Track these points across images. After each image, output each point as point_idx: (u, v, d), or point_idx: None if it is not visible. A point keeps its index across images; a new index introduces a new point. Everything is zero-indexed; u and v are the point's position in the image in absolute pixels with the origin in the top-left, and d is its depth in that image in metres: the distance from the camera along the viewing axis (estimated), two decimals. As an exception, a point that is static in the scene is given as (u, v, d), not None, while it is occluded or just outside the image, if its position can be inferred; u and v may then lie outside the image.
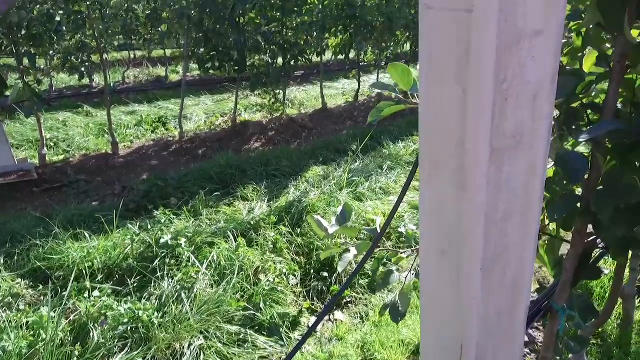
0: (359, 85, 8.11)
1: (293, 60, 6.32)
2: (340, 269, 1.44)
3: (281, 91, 6.72)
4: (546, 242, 1.66)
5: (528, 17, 0.55)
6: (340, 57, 7.95)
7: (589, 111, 1.34)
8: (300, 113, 7.19)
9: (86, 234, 3.17)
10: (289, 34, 6.16)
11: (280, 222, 3.40)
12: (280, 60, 6.28)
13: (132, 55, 11.42)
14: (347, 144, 5.58)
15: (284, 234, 3.24)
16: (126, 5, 8.16)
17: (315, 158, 5.22)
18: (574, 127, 1.20)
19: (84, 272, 2.76)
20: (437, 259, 0.73)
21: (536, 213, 0.72)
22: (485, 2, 0.52)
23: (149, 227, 3.25)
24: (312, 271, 2.96)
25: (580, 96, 1.27)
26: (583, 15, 1.33)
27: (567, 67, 1.42)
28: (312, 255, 3.08)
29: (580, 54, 1.41)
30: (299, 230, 3.32)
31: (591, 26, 1.23)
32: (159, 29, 5.75)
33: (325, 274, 2.93)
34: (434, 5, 0.56)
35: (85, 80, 7.61)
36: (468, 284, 0.70)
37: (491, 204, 0.64)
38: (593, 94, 1.44)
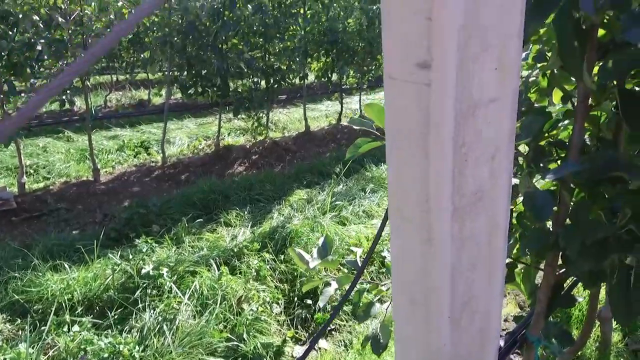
0: (342, 108, 8.22)
1: (276, 85, 6.40)
2: (321, 304, 1.45)
3: (264, 115, 6.77)
4: (522, 270, 1.71)
5: (483, 88, 0.59)
6: (323, 80, 8.07)
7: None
8: (284, 136, 7.25)
9: (66, 265, 3.13)
10: (272, 59, 6.25)
11: (264, 248, 3.40)
12: (263, 84, 6.35)
13: (114, 79, 11.40)
14: (330, 167, 5.63)
15: (268, 261, 3.24)
16: (109, 30, 8.20)
17: (299, 181, 5.25)
18: (541, 165, 1.25)
19: (64, 304, 2.71)
20: (407, 307, 0.75)
21: (500, 261, 0.75)
22: (442, 77, 0.56)
23: (130, 256, 3.22)
24: (295, 299, 2.96)
25: (547, 135, 1.33)
26: (548, 56, 1.40)
27: (536, 105, 1.48)
28: (296, 282, 3.08)
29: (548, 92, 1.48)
30: (282, 256, 3.32)
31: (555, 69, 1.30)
32: (142, 55, 5.76)
33: (309, 301, 2.93)
34: (396, 76, 0.60)
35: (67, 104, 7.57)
36: (438, 331, 0.73)
37: (456, 257, 0.67)
38: (562, 128, 1.50)
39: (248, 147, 6.35)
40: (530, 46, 1.39)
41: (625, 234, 1.12)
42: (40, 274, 3.01)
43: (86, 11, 4.51)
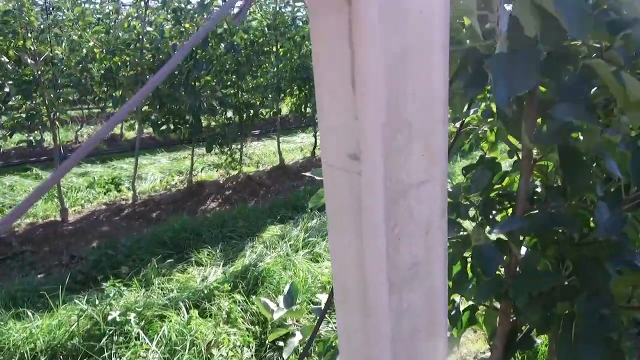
0: (316, 141, 8.32)
1: (249, 120, 6.46)
2: (285, 356, 1.46)
3: (238, 149, 6.80)
4: (484, 312, 1.75)
5: (412, 173, 0.64)
6: (297, 113, 8.18)
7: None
8: (258, 170, 7.27)
9: (29, 313, 3.03)
10: (245, 96, 6.33)
11: (235, 288, 3.37)
12: (236, 119, 6.40)
13: (86, 112, 11.29)
14: (304, 201, 5.65)
15: (239, 302, 3.21)
16: (80, 66, 8.17)
17: (273, 216, 5.25)
18: (491, 217, 1.31)
19: (26, 355, 2.62)
20: (354, 374, 0.78)
21: (442, 327, 0.79)
22: (370, 168, 0.60)
23: (97, 301, 3.15)
24: (267, 341, 2.93)
25: (496, 187, 1.40)
26: (494, 111, 1.49)
27: (487, 156, 1.56)
28: (268, 324, 3.05)
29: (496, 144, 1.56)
30: (254, 297, 3.30)
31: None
32: (113, 94, 5.76)
33: (281, 343, 2.90)
34: (332, 164, 0.64)
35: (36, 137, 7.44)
36: (383, 398, 0.75)
37: (396, 328, 0.71)
38: (512, 178, 1.57)
39: (221, 182, 6.34)
40: (480, 104, 1.47)
41: (569, 285, 1.18)
42: (1, 323, 2.90)
43: (56, 52, 4.51)
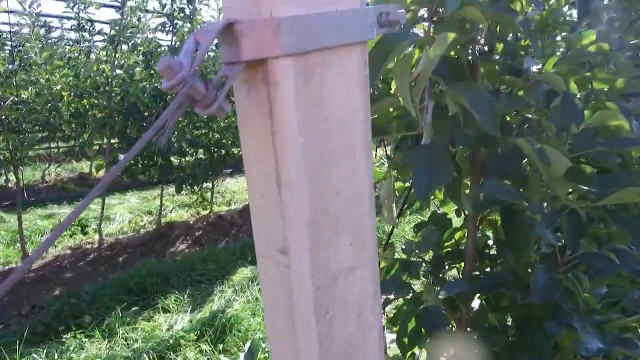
0: (288, 178, 8.34)
1: (220, 159, 6.47)
2: (242, 418, 1.44)
3: (209, 189, 6.77)
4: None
5: (340, 262, 0.68)
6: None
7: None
8: (230, 209, 7.22)
9: (-18, 370, 2.89)
10: (216, 136, 6.35)
11: (202, 337, 3.30)
12: (207, 159, 6.39)
13: (54, 150, 11.10)
14: (275, 241, 5.62)
15: (205, 352, 3.14)
16: (49, 105, 8.09)
17: (244, 257, 5.20)
18: (440, 275, 1.35)
19: (-24, 418, 2.49)
20: None
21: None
22: (298, 262, 0.63)
23: (57, 355, 3.03)
24: (233, 393, 2.86)
25: (446, 244, 1.45)
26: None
27: (438, 212, 1.61)
28: (234, 374, 2.99)
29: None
30: (221, 345, 3.23)
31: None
32: (81, 138, 5.71)
33: (248, 394, 2.83)
34: (264, 255, 0.67)
35: None
36: None
37: (332, 410, 0.72)
38: (463, 234, 1.62)
39: (192, 222, 6.27)
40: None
41: (514, 343, 1.22)
42: (-49, 382, 2.76)
43: (22, 95, 4.48)
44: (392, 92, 0.84)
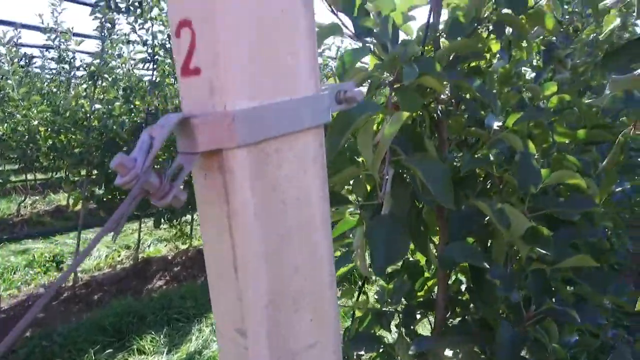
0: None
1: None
2: None
3: (188, 223, 6.70)
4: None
5: (300, 339, 0.68)
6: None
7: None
8: (210, 242, 7.11)
9: (-57, 422, 2.75)
10: (196, 169, 6.32)
11: (178, 380, 3.21)
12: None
13: (30, 183, 10.88)
14: (255, 276, 5.55)
15: (181, 397, 3.05)
16: (27, 137, 7.98)
17: (223, 293, 5.10)
18: (412, 327, 1.36)
19: None
20: None
21: None
22: (255, 343, 0.63)
23: (24, 404, 2.91)
24: None
25: (418, 294, 1.46)
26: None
27: (411, 259, 1.63)
28: (210, 420, 2.90)
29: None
30: (197, 389, 3.14)
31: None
32: (58, 172, 5.63)
33: None
34: (224, 334, 0.67)
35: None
36: None
37: None
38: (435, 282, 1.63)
39: (170, 257, 6.16)
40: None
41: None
42: None
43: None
44: (354, 160, 0.87)
